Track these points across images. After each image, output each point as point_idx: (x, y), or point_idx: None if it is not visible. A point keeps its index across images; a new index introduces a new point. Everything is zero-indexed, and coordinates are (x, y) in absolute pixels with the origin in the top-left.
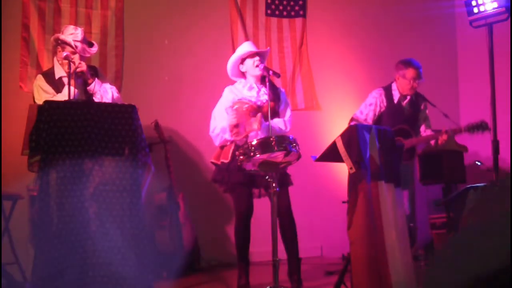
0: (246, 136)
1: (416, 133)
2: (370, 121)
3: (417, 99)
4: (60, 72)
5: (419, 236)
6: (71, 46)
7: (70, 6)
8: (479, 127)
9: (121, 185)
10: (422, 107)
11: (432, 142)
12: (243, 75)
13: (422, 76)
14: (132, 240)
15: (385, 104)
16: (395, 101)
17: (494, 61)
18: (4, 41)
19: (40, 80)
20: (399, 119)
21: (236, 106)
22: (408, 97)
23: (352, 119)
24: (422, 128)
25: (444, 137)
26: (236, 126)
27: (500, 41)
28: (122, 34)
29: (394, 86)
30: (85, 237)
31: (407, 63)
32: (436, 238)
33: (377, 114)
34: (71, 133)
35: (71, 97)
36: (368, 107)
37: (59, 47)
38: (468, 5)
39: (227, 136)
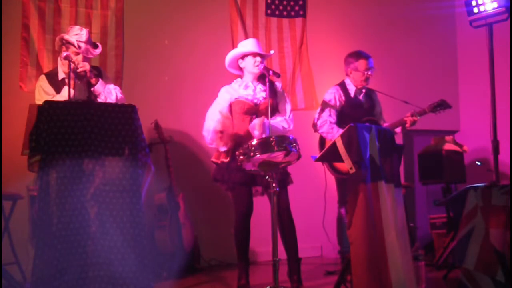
0: (228, 145)
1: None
2: (334, 117)
3: (370, 92)
4: (63, 72)
5: (419, 236)
6: (74, 46)
7: (70, 6)
8: (441, 105)
9: (121, 185)
10: (376, 99)
11: (398, 129)
12: (240, 69)
13: (373, 65)
14: (132, 240)
15: (343, 98)
16: (352, 95)
17: (494, 61)
18: (4, 41)
19: (42, 81)
20: (360, 112)
21: (222, 118)
22: (364, 91)
23: (315, 125)
24: (381, 122)
25: (411, 118)
26: (220, 132)
27: (500, 41)
28: (122, 34)
29: (347, 81)
30: (85, 237)
31: (357, 55)
32: (436, 238)
33: (338, 109)
34: (71, 133)
35: (71, 98)
36: (327, 103)
37: (63, 47)
38: (468, 5)
39: (209, 140)
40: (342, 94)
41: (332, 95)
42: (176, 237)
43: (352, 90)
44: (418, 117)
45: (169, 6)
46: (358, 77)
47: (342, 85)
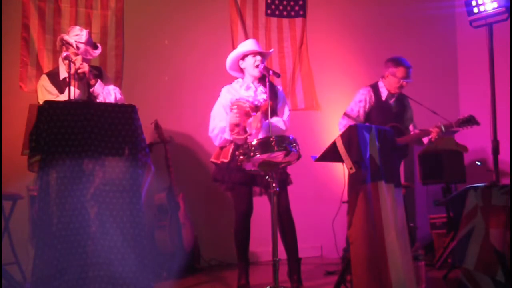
0: (246, 137)
1: (407, 132)
2: (362, 119)
3: (402, 98)
4: (64, 72)
5: (419, 236)
6: (73, 47)
7: (70, 6)
8: (469, 121)
9: (121, 185)
10: (407, 105)
11: (426, 140)
12: (241, 70)
13: (411, 76)
14: (132, 240)
15: (373, 100)
16: (383, 98)
17: (494, 61)
18: (4, 41)
19: (44, 80)
20: (388, 116)
21: (236, 106)
22: (396, 96)
23: (345, 114)
24: (411, 127)
25: (437, 131)
26: (237, 125)
27: (500, 41)
28: (122, 34)
29: (381, 84)
30: (85, 237)
31: (398, 62)
32: (436, 238)
33: (367, 110)
34: (71, 133)
35: (72, 98)
36: (357, 104)
37: (63, 47)
38: (468, 5)
39: (227, 135)
40: (373, 95)
41: (363, 96)
42: (176, 237)
43: (384, 93)
44: (444, 130)
45: (169, 6)
46: (393, 83)
47: (375, 87)
